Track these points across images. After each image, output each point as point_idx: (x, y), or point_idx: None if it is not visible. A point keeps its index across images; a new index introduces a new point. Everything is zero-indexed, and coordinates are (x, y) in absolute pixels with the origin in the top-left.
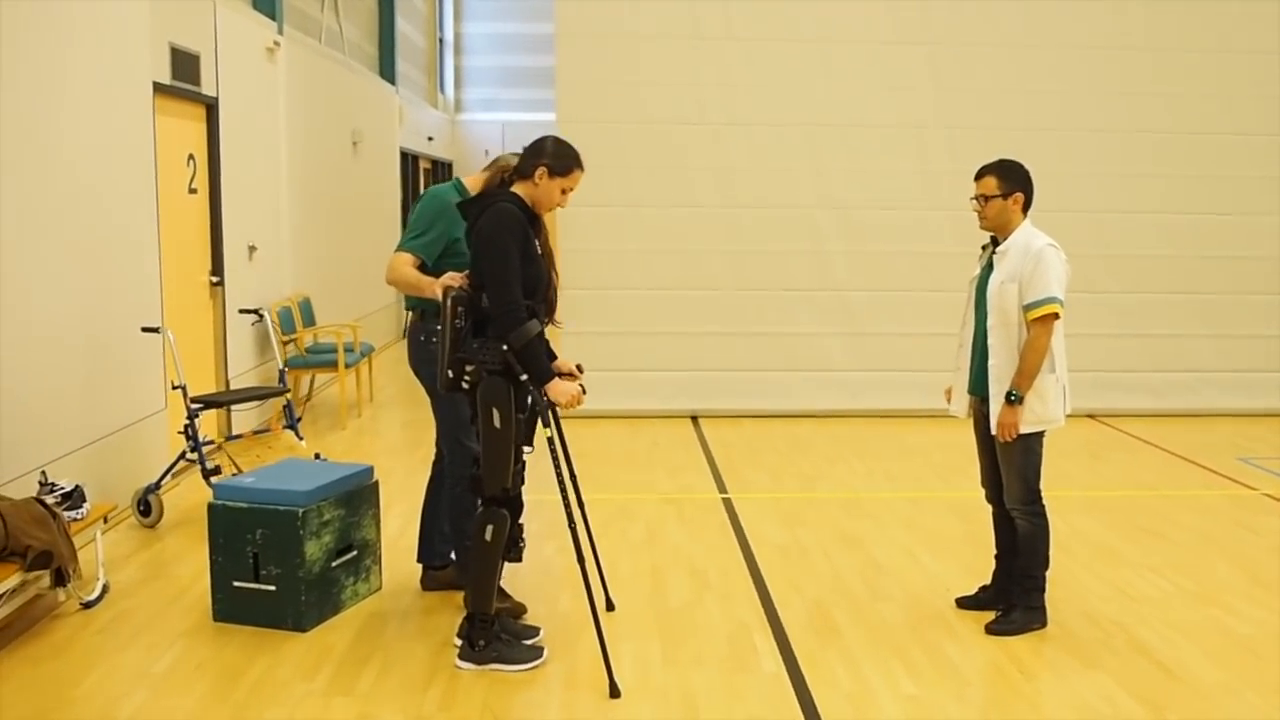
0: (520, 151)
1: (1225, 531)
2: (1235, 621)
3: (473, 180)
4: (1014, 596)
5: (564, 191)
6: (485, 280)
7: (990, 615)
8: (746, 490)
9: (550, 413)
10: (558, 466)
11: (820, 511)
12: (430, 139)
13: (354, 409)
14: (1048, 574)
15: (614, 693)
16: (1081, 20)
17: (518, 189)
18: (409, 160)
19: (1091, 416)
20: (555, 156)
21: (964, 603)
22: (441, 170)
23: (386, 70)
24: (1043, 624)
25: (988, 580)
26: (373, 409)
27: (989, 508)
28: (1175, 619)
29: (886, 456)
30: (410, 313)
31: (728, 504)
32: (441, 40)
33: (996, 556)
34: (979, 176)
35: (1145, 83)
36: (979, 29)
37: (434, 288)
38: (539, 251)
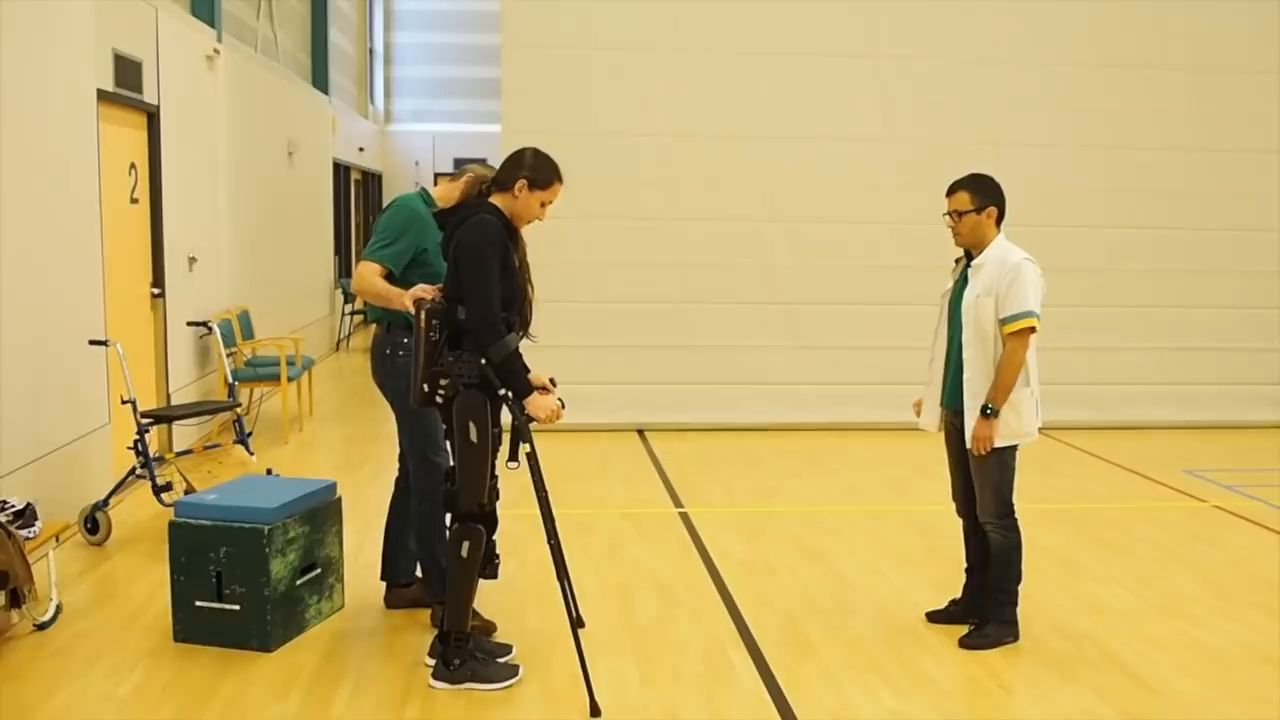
0: (484, 160)
1: (1182, 544)
2: (1204, 634)
3: (439, 191)
4: (987, 610)
5: (543, 205)
6: (464, 292)
7: (961, 629)
8: (703, 504)
9: (527, 427)
10: (536, 482)
11: (780, 526)
12: (361, 149)
13: (295, 423)
14: (1020, 587)
15: (594, 711)
16: (1027, 35)
17: (496, 200)
18: (341, 171)
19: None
20: (535, 169)
21: (934, 617)
22: (372, 181)
23: (319, 80)
24: (1016, 638)
25: (956, 594)
26: (314, 422)
27: (951, 521)
28: (1145, 632)
29: (839, 470)
30: (376, 325)
31: (685, 518)
32: (372, 50)
33: (967, 570)
34: (951, 192)
35: (1090, 98)
36: (927, 43)
37: (404, 299)
38: (517, 264)
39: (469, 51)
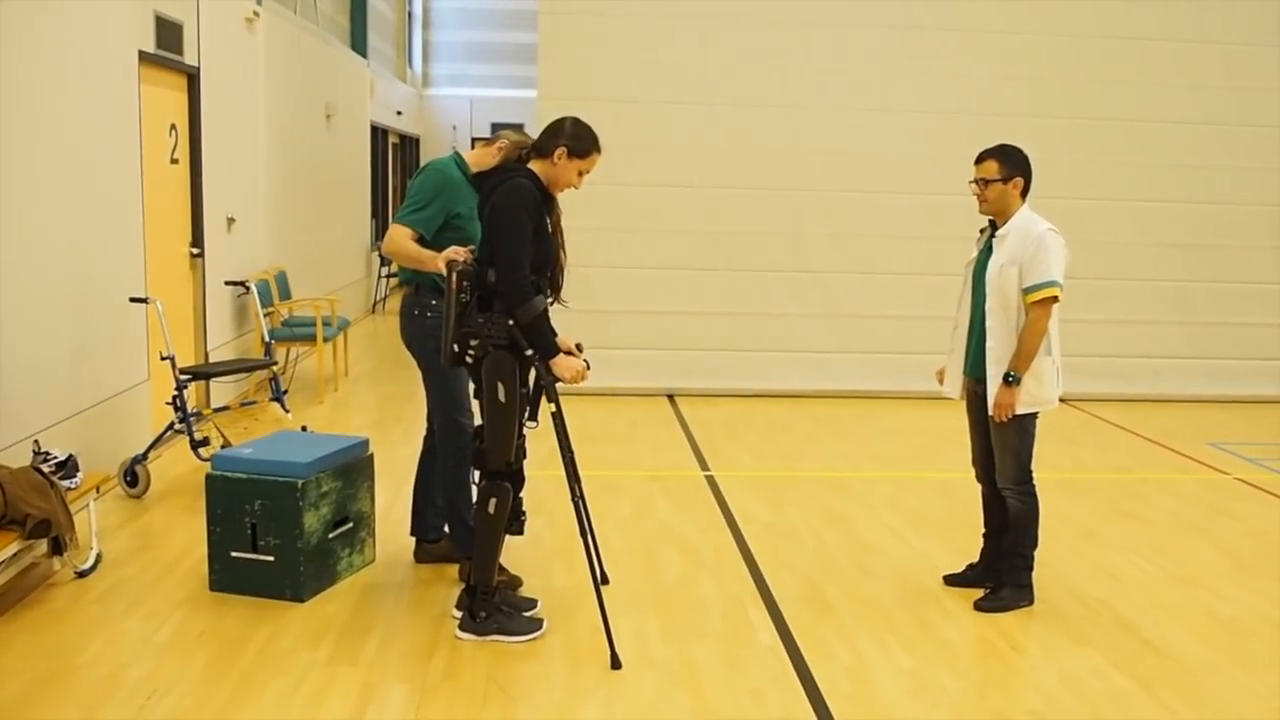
0: (520, 127)
1: (1202, 515)
2: (1218, 603)
3: (472, 156)
4: (1003, 574)
5: (580, 174)
6: (495, 254)
7: (977, 592)
8: (730, 468)
9: (553, 388)
10: (561, 442)
11: (805, 490)
12: (399, 113)
13: (330, 383)
14: (1036, 553)
15: (615, 664)
16: (1059, 8)
17: (534, 167)
18: (378, 134)
19: (1064, 401)
20: (575, 138)
21: (952, 580)
22: (409, 145)
23: (358, 43)
24: (1030, 602)
25: (974, 558)
26: (349, 383)
27: (973, 487)
28: (1159, 599)
29: (866, 437)
30: (405, 286)
31: (711, 481)
32: (410, 14)
33: (985, 535)
34: (979, 160)
35: (1120, 71)
36: (962, 15)
37: (436, 261)
38: (550, 230)
39: (507, 17)
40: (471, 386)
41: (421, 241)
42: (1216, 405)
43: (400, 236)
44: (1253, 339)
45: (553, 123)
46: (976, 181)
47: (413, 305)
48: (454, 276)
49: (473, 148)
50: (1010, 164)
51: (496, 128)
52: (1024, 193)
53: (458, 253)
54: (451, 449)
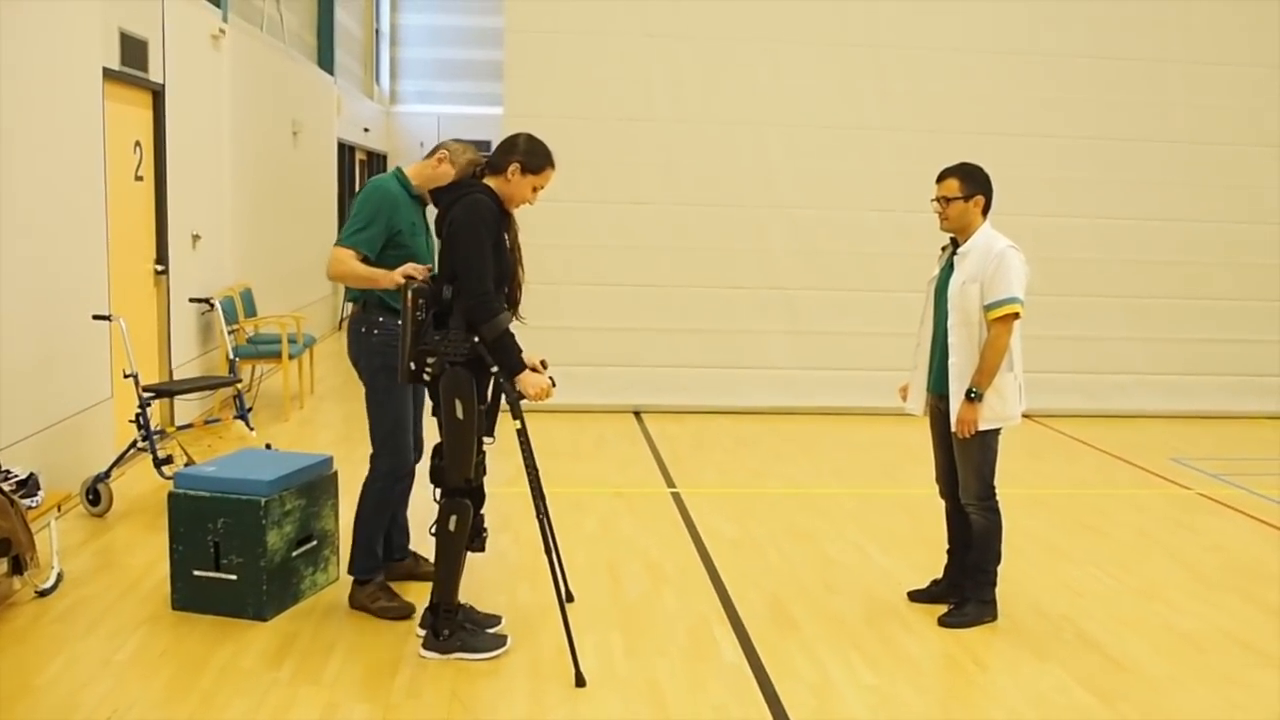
0: (459, 137)
1: (1164, 530)
2: (1179, 617)
3: (413, 170)
4: (966, 590)
5: (535, 189)
6: (458, 270)
7: (941, 608)
8: (695, 485)
9: (518, 405)
10: (526, 459)
11: (770, 507)
12: (366, 130)
13: (296, 400)
14: (999, 569)
15: (579, 681)
16: (1022, 27)
17: (490, 182)
18: (345, 151)
19: (1026, 416)
20: (528, 154)
21: (916, 596)
22: (377, 162)
23: (325, 60)
24: (994, 617)
25: (939, 574)
26: (314, 400)
27: (937, 504)
28: (1121, 614)
29: (832, 453)
30: (351, 304)
31: (677, 498)
32: (378, 31)
33: (949, 551)
34: (941, 179)
35: (1081, 89)
36: (923, 33)
37: (392, 277)
38: (509, 245)
39: (474, 34)
40: (429, 404)
41: (367, 261)
42: (1178, 420)
43: (345, 259)
44: (1213, 354)
45: (506, 139)
46: (938, 199)
47: (360, 323)
48: (409, 294)
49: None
50: (971, 182)
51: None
52: (985, 210)
53: (415, 269)
54: (383, 469)
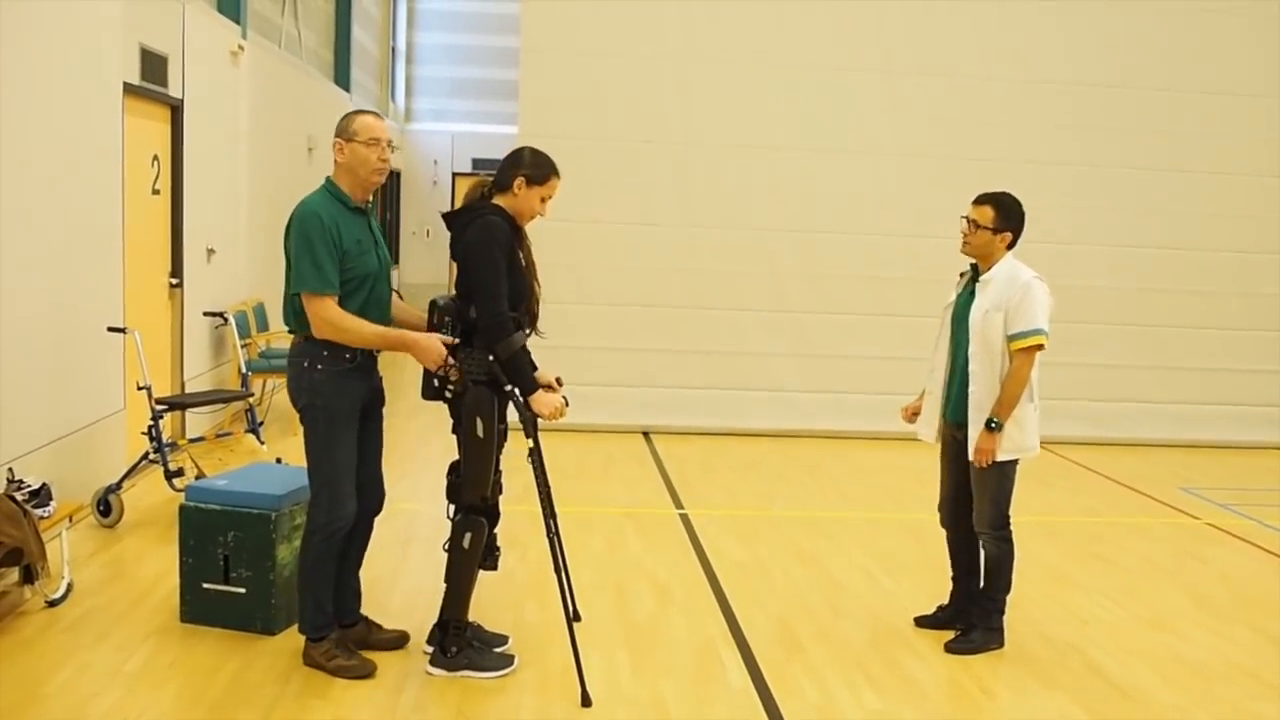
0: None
1: (1172, 559)
2: (1186, 647)
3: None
4: (974, 617)
5: (543, 200)
6: (474, 291)
7: (948, 634)
8: (703, 506)
9: (532, 424)
10: (539, 478)
11: (777, 529)
12: None
13: None
14: (1008, 597)
15: (585, 701)
16: (1036, 54)
17: (499, 201)
18: None
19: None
20: (532, 166)
21: (923, 622)
22: (391, 180)
23: (342, 77)
24: (1000, 644)
25: (945, 600)
26: None
27: (943, 530)
28: (1128, 643)
29: (839, 477)
30: (294, 335)
31: (685, 519)
32: (394, 49)
33: (954, 578)
34: (979, 202)
35: (1097, 118)
36: (939, 59)
37: (425, 350)
38: (523, 263)
39: (490, 53)
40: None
41: (341, 302)
42: (1187, 449)
43: (331, 314)
44: (1223, 384)
45: (509, 155)
46: (969, 220)
47: (302, 355)
48: (435, 314)
49: (452, 183)
50: (1005, 218)
51: (478, 163)
52: (1010, 246)
53: (444, 342)
54: (321, 520)
